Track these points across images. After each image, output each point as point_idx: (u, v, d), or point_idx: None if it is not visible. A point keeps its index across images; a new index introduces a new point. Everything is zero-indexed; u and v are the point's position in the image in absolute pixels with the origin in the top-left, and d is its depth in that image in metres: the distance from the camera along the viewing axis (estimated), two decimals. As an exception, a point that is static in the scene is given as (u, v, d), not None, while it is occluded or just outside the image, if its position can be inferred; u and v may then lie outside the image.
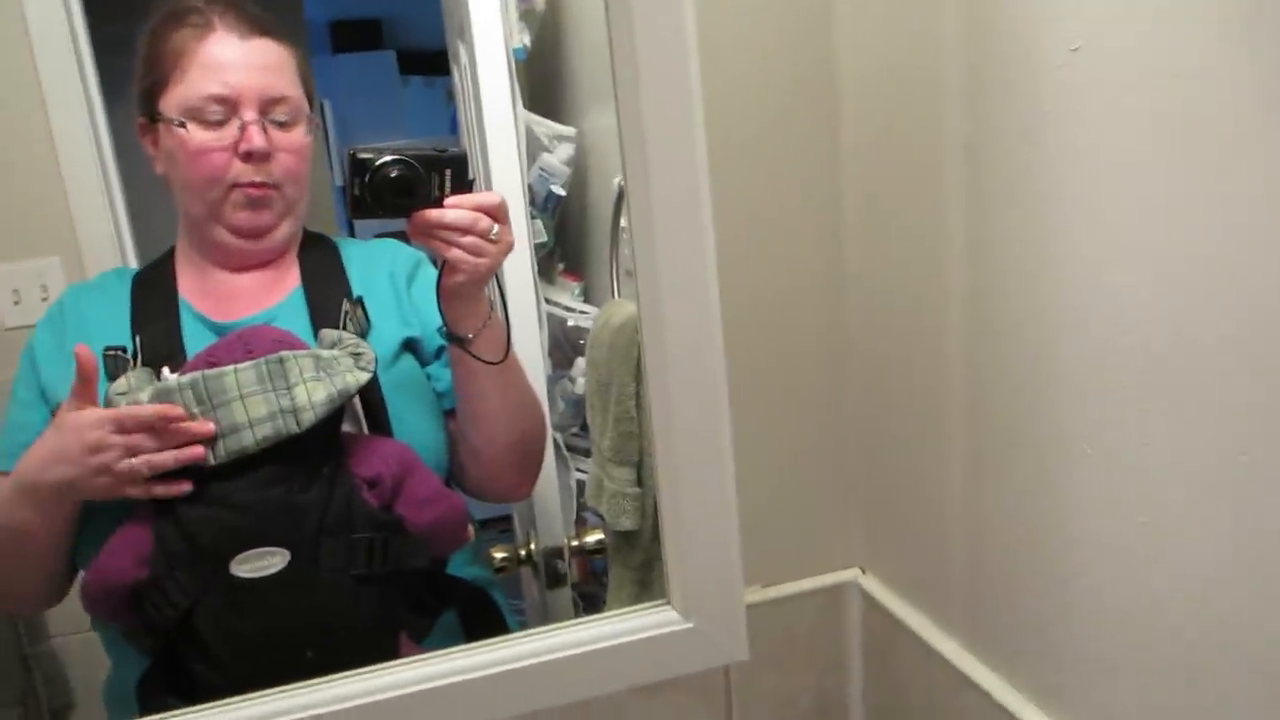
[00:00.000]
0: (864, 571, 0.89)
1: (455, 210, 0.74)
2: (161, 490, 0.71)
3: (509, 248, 0.77)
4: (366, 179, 0.73)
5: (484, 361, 0.80)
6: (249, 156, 0.79)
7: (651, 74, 0.61)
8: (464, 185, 0.75)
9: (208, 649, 0.72)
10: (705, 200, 0.63)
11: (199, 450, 0.71)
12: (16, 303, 0.90)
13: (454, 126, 1.44)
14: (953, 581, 0.76)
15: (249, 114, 0.78)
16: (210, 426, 0.71)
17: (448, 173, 0.74)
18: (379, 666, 0.68)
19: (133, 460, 0.70)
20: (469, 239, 0.74)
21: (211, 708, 0.65)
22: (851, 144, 0.80)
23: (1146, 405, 0.54)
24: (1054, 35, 0.56)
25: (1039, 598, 0.66)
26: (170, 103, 0.78)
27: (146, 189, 0.87)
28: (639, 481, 0.93)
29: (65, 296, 0.83)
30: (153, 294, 0.82)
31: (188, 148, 0.78)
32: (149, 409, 0.70)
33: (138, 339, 0.78)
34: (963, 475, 0.72)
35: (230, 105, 0.78)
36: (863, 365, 0.84)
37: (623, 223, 0.99)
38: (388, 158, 0.73)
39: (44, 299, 0.90)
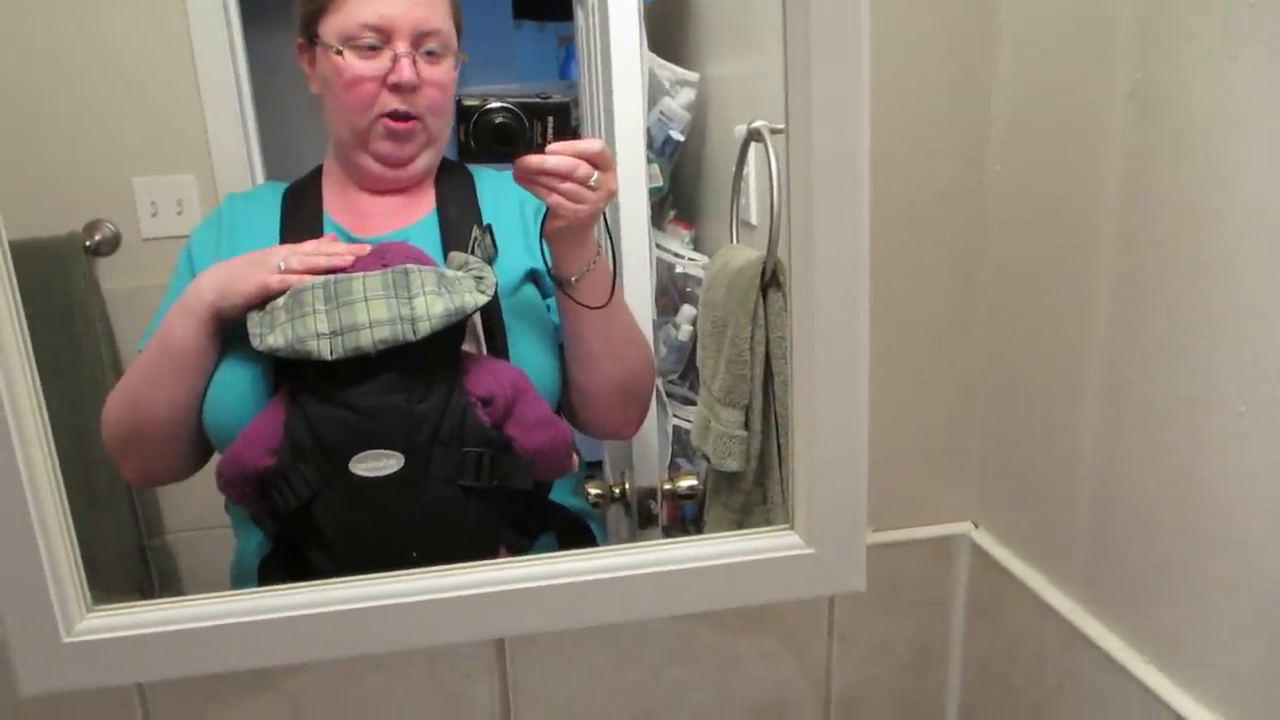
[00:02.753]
0: (976, 526, 0.89)
1: (555, 157, 0.75)
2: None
3: (610, 195, 0.78)
4: (472, 125, 0.75)
5: (585, 306, 0.81)
6: (397, 88, 0.81)
7: (823, 12, 0.61)
8: (566, 132, 0.76)
9: (323, 538, 0.76)
10: (864, 141, 0.64)
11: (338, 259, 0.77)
12: (154, 215, 0.94)
13: (563, 72, 1.44)
14: (1074, 539, 0.75)
15: (401, 45, 0.80)
16: (366, 248, 0.78)
17: (550, 120, 0.76)
18: (535, 557, 0.72)
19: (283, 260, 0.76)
20: (568, 185, 0.76)
21: (324, 584, 0.71)
22: (1007, 83, 0.79)
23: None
24: (1246, -23, 0.54)
25: (1173, 559, 0.65)
26: (330, 29, 0.81)
27: (278, 112, 0.90)
28: (746, 424, 0.94)
29: (224, 204, 0.88)
30: (300, 207, 0.85)
31: (343, 76, 0.81)
32: (311, 244, 0.79)
33: None
34: (1096, 431, 0.71)
35: (385, 35, 0.80)
36: (995, 323, 0.83)
37: (745, 171, 0.99)
38: (492, 105, 0.75)
39: (179, 213, 0.94)
